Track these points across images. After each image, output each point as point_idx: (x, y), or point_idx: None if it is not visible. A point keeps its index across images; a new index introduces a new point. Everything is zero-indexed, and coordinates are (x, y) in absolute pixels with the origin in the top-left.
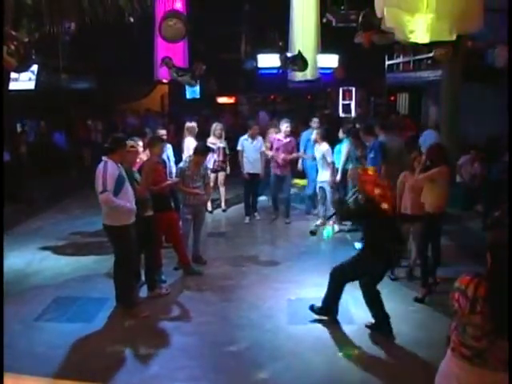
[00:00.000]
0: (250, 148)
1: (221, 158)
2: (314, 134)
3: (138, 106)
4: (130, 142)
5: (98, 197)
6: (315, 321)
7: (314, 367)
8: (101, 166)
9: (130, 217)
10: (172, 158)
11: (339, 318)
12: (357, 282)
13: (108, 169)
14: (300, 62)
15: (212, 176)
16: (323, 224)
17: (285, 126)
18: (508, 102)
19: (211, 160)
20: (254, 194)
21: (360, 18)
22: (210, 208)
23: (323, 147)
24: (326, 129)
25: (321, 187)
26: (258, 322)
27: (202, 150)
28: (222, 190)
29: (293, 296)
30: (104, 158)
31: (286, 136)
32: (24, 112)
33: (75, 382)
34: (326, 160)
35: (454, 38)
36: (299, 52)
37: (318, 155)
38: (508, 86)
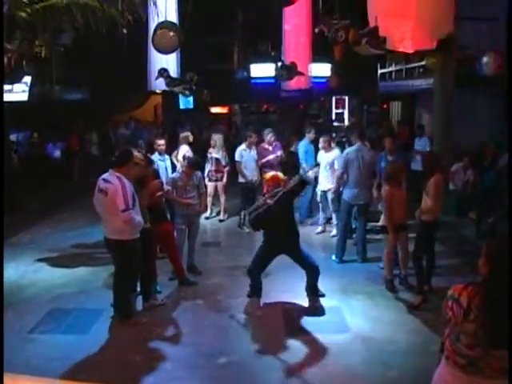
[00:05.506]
0: (249, 158)
1: (213, 168)
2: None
3: (131, 116)
4: (138, 155)
5: (119, 215)
6: (311, 330)
7: (310, 376)
8: (115, 181)
9: (139, 230)
10: (170, 170)
11: (335, 326)
12: (353, 292)
13: (126, 185)
14: (286, 71)
15: (211, 186)
16: (323, 231)
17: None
18: (508, 105)
19: (206, 170)
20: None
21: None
22: (222, 217)
23: (334, 153)
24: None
25: (323, 195)
26: (254, 332)
27: (191, 163)
28: (222, 199)
29: (289, 306)
30: (112, 171)
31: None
32: (17, 123)
33: (75, 382)
34: (332, 167)
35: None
36: (282, 61)
37: (323, 163)
38: (508, 90)
